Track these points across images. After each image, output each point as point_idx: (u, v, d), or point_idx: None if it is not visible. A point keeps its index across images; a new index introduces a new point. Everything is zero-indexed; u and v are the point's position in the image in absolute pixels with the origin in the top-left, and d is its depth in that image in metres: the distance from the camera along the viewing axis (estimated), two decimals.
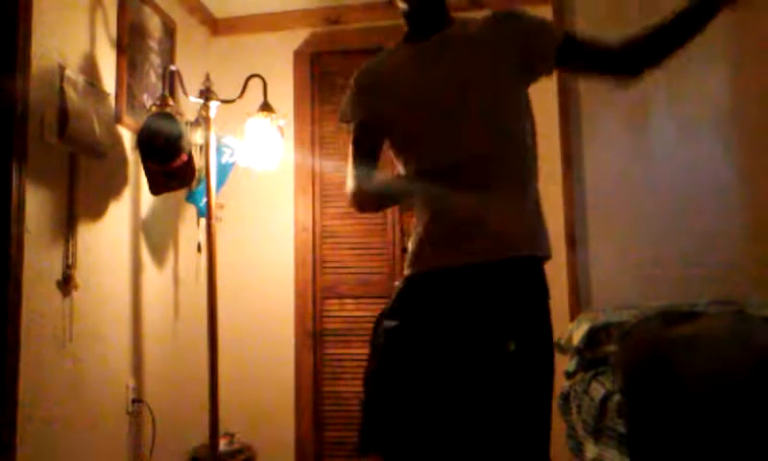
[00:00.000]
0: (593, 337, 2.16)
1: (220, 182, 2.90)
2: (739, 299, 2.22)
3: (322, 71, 3.41)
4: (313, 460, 3.18)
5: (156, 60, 2.91)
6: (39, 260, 2.15)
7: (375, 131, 1.65)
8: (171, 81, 2.88)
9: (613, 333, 2.08)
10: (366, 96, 1.66)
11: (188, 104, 2.88)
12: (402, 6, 1.59)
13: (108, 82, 2.57)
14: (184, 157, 2.59)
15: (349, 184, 1.66)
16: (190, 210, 3.10)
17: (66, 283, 2.27)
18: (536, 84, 1.69)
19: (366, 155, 1.66)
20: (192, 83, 2.88)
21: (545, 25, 1.60)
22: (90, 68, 2.46)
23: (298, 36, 3.43)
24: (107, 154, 2.50)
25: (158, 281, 2.90)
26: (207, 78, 2.82)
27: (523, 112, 1.63)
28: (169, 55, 3.03)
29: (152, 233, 2.84)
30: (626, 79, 1.64)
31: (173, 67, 2.89)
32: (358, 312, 3.20)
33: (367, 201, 1.67)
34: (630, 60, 1.63)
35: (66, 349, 2.26)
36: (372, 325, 1.59)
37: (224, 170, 2.97)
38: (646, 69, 1.63)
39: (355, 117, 1.68)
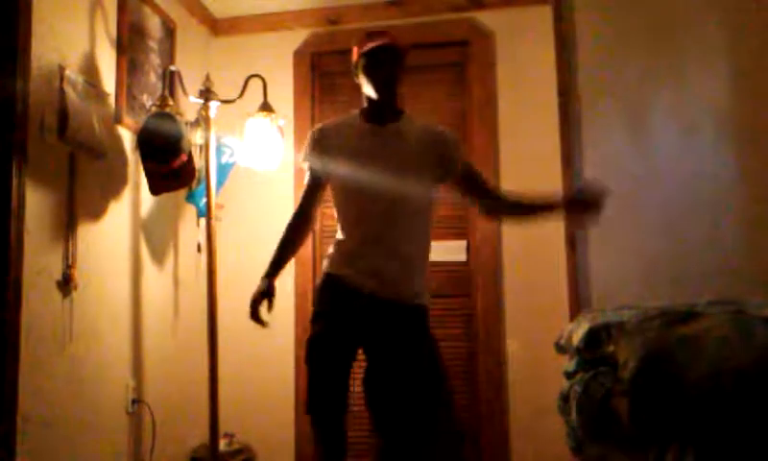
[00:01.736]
0: (593, 337, 2.15)
1: (220, 182, 2.90)
2: (739, 299, 2.21)
3: (322, 71, 3.41)
4: (313, 460, 3.18)
5: (155, 60, 2.91)
6: (39, 260, 2.15)
7: (320, 179, 2.24)
8: (171, 81, 2.88)
9: (613, 333, 2.08)
10: (319, 150, 2.22)
11: (188, 104, 2.88)
12: (372, 95, 2.16)
13: (108, 82, 2.57)
14: (184, 158, 2.60)
15: (292, 215, 2.29)
16: (190, 210, 3.10)
17: (66, 283, 2.27)
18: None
19: (306, 197, 2.26)
20: (192, 83, 2.88)
21: (459, 151, 2.26)
22: (90, 68, 2.46)
23: (298, 36, 3.43)
24: (106, 154, 2.50)
25: (158, 281, 2.90)
26: (207, 78, 2.82)
27: (431, 203, 2.22)
28: (169, 55, 3.03)
29: (152, 233, 2.84)
30: (484, 214, 2.43)
31: (173, 67, 2.89)
32: None
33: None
34: (493, 207, 2.33)
35: (66, 349, 2.26)
36: None
37: (224, 170, 2.97)
38: (496, 217, 2.68)
39: (307, 163, 2.25)
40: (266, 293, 2.15)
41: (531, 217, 2.38)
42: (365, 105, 2.23)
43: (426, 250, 2.22)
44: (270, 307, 2.16)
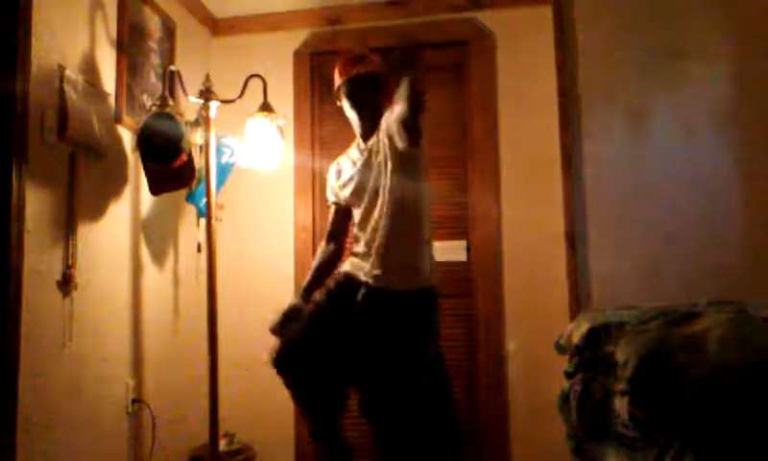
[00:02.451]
0: (593, 337, 2.15)
1: (220, 182, 2.90)
2: (739, 299, 2.21)
3: (322, 71, 3.41)
4: (313, 460, 3.18)
5: (155, 60, 2.91)
6: (39, 260, 2.15)
7: (338, 205, 2.52)
8: (171, 81, 2.88)
9: (613, 333, 2.07)
10: (333, 181, 2.53)
11: (188, 104, 2.88)
12: (354, 120, 2.40)
13: (108, 82, 2.57)
14: (184, 158, 2.59)
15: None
16: (190, 210, 3.10)
17: (66, 283, 2.27)
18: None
19: (331, 222, 2.56)
20: (192, 83, 2.88)
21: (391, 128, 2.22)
22: (90, 68, 2.46)
23: (297, 37, 3.43)
24: (107, 154, 2.50)
25: (158, 281, 2.90)
26: (207, 78, 2.81)
27: (415, 185, 2.30)
28: (169, 55, 3.03)
29: (152, 233, 2.84)
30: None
31: (173, 67, 2.89)
32: None
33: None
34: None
35: (66, 349, 2.26)
36: None
37: (224, 170, 2.97)
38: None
39: (329, 198, 2.56)
40: (294, 315, 2.33)
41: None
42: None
43: (418, 242, 2.33)
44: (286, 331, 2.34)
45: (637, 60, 3.06)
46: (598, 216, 3.02)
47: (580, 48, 3.11)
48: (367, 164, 2.37)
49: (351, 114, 2.41)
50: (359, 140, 2.46)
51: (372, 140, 2.37)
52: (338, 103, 2.48)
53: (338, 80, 2.43)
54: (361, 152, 2.43)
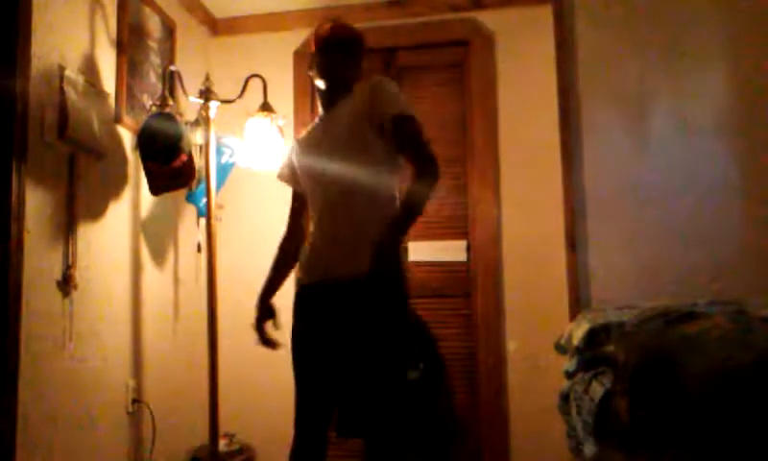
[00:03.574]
0: (593, 337, 2.16)
1: (220, 182, 2.90)
2: (739, 299, 2.21)
3: None
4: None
5: (155, 60, 2.91)
6: (39, 260, 2.15)
7: (294, 191, 2.25)
8: (171, 81, 2.88)
9: (613, 333, 2.08)
10: (287, 161, 2.25)
11: (188, 104, 2.88)
12: (320, 86, 2.10)
13: (108, 82, 2.57)
14: (184, 158, 2.59)
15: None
16: (190, 210, 3.10)
17: (66, 283, 2.27)
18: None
19: (289, 212, 2.28)
20: (192, 83, 2.88)
21: (385, 96, 1.97)
22: (90, 68, 2.46)
23: (298, 36, 3.43)
24: (107, 154, 2.50)
25: (158, 281, 2.90)
26: (207, 78, 2.82)
27: (374, 162, 1.97)
28: (169, 55, 3.03)
29: (152, 233, 2.84)
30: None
31: (173, 67, 2.89)
32: None
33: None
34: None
35: (66, 349, 2.26)
36: None
37: (224, 170, 2.97)
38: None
39: (283, 179, 2.30)
40: (265, 316, 2.16)
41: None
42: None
43: (371, 220, 1.91)
44: (276, 326, 2.16)
45: (637, 59, 3.06)
46: (598, 216, 3.02)
47: (580, 48, 3.11)
48: (324, 132, 2.09)
49: (318, 77, 2.10)
50: (323, 109, 2.14)
51: (340, 106, 2.05)
52: (310, 77, 2.18)
53: (312, 44, 2.20)
54: (321, 122, 2.13)
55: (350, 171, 1.94)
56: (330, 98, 2.09)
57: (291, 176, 2.23)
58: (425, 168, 1.88)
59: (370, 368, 1.85)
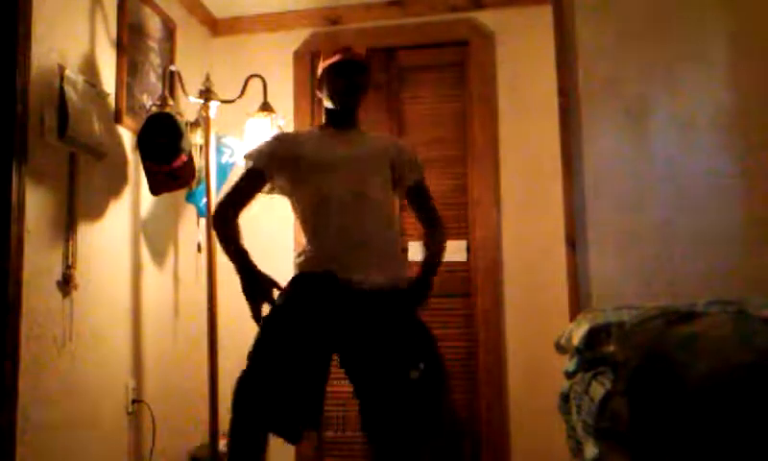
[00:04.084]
0: (593, 337, 2.15)
1: (220, 182, 2.90)
2: (739, 299, 2.21)
3: None
4: (313, 460, 3.18)
5: (155, 60, 2.91)
6: (39, 260, 2.15)
7: (264, 180, 2.19)
8: (171, 81, 2.88)
9: (613, 333, 2.07)
10: (279, 152, 2.20)
11: (188, 104, 2.88)
12: (332, 105, 2.22)
13: (108, 82, 2.57)
14: (184, 158, 2.60)
15: (222, 201, 2.21)
16: (190, 210, 3.10)
17: (66, 283, 2.27)
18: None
19: (247, 193, 2.21)
20: (192, 83, 2.88)
21: (413, 161, 2.30)
22: (90, 68, 2.46)
23: (298, 37, 3.43)
24: (107, 154, 2.50)
25: (158, 281, 2.90)
26: (207, 78, 2.82)
27: (391, 205, 2.30)
28: (169, 55, 3.03)
29: (152, 233, 2.84)
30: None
31: (173, 67, 2.90)
32: None
33: (220, 233, 2.20)
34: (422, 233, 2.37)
35: (66, 349, 2.26)
36: None
37: (224, 170, 2.97)
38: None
39: (259, 164, 2.19)
40: (268, 286, 2.09)
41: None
42: (324, 119, 2.30)
43: (397, 235, 2.34)
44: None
45: (638, 60, 3.06)
46: (598, 216, 3.02)
47: (580, 48, 3.11)
48: (347, 144, 2.21)
49: (329, 101, 2.22)
50: (330, 125, 2.27)
51: (354, 131, 2.26)
52: (318, 94, 2.29)
53: (320, 69, 2.25)
54: (334, 134, 2.24)
55: (386, 195, 2.21)
56: (344, 118, 2.25)
57: (269, 164, 2.19)
58: (441, 227, 2.30)
59: (410, 370, 1.98)
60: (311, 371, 1.98)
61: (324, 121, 2.31)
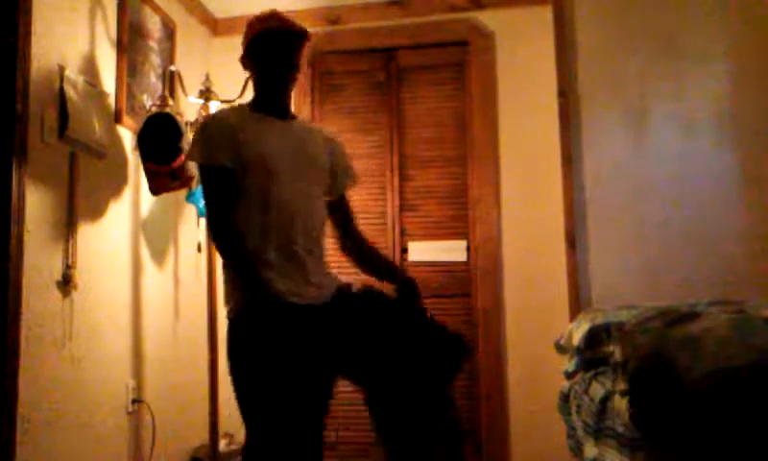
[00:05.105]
0: (593, 337, 2.16)
1: None
2: (739, 299, 2.21)
3: (322, 71, 3.41)
4: None
5: (155, 60, 2.91)
6: (39, 260, 2.15)
7: (232, 176, 1.81)
8: (171, 81, 2.88)
9: (613, 333, 2.07)
10: (225, 143, 1.82)
11: (188, 104, 2.88)
12: (267, 84, 1.92)
13: (108, 82, 2.57)
14: (184, 158, 2.60)
15: (218, 218, 1.82)
16: (190, 210, 3.10)
17: (66, 283, 2.26)
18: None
19: (229, 201, 1.81)
20: (192, 83, 2.88)
21: (351, 166, 2.07)
22: (90, 68, 2.46)
23: None
24: (107, 154, 2.50)
25: (158, 281, 2.90)
26: (207, 78, 2.82)
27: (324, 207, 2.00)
28: (169, 55, 3.02)
29: (152, 233, 2.84)
30: (341, 250, 2.10)
31: (173, 67, 2.90)
32: None
33: (232, 260, 1.82)
34: (350, 249, 2.08)
35: (66, 349, 2.26)
36: None
37: None
38: (348, 258, 2.10)
39: (216, 160, 1.82)
40: None
41: (373, 276, 2.07)
42: (256, 96, 1.97)
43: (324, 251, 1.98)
44: None
45: (637, 59, 3.06)
46: (598, 216, 3.02)
47: (580, 48, 3.11)
48: (298, 142, 1.92)
49: (273, 74, 1.90)
50: (271, 113, 1.92)
51: (298, 124, 1.99)
52: (244, 67, 2.00)
53: (247, 38, 1.94)
54: (282, 127, 1.92)
55: (323, 203, 1.98)
56: (278, 104, 1.94)
57: (234, 157, 1.82)
58: (358, 234, 2.09)
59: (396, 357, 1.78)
60: (322, 408, 1.81)
61: (257, 102, 1.96)
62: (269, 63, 1.90)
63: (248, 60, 1.96)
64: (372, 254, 2.10)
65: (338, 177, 2.02)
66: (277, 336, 1.70)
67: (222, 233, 1.82)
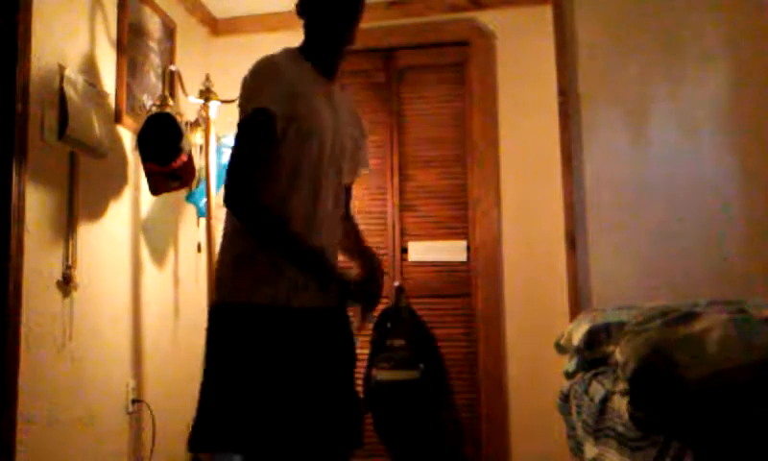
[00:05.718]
0: (593, 337, 2.15)
1: (220, 182, 2.90)
2: (739, 299, 2.21)
3: None
4: None
5: (155, 60, 2.91)
6: (39, 260, 2.15)
7: (277, 127, 1.56)
8: (171, 81, 2.88)
9: (613, 333, 2.07)
10: (283, 88, 1.59)
11: (188, 104, 2.88)
12: (328, 37, 1.71)
13: (108, 82, 2.57)
14: (184, 158, 2.60)
15: (243, 173, 1.56)
16: (190, 210, 3.10)
17: (66, 283, 2.27)
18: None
19: (268, 155, 1.55)
20: (192, 83, 2.88)
21: (367, 156, 1.85)
22: (90, 68, 2.46)
23: (297, 37, 3.41)
24: (107, 154, 2.50)
25: (158, 281, 2.90)
26: (207, 78, 2.82)
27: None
28: (169, 55, 3.03)
29: (152, 233, 2.84)
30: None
31: (173, 67, 2.90)
32: None
33: (262, 220, 1.58)
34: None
35: (66, 349, 2.26)
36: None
37: (224, 170, 2.96)
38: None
39: (271, 103, 1.57)
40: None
41: (345, 254, 1.84)
42: (310, 46, 1.74)
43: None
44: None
45: (637, 59, 3.06)
46: (598, 216, 3.02)
47: (580, 48, 3.11)
48: (336, 113, 1.70)
49: (325, 30, 1.70)
50: (321, 69, 1.71)
51: (337, 88, 1.76)
52: (299, 16, 1.79)
53: None
54: (327, 91, 1.70)
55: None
56: (333, 62, 1.73)
57: (289, 113, 1.58)
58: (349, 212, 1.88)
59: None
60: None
61: (311, 52, 1.72)
62: (336, 9, 1.68)
63: (305, 5, 1.73)
64: (349, 233, 1.85)
65: (358, 165, 1.81)
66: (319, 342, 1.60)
67: (244, 192, 1.57)
